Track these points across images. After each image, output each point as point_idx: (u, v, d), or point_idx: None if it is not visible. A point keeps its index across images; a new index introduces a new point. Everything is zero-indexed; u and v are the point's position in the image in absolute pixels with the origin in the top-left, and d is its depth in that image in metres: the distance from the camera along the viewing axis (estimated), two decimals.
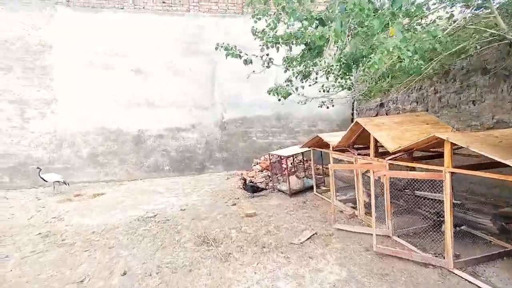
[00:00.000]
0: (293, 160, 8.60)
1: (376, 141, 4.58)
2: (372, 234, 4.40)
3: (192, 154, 10.00)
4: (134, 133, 9.61)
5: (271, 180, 8.37)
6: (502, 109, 5.62)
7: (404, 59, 2.68)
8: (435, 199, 5.25)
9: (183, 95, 9.72)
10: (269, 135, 10.13)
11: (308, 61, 4.44)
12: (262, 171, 8.93)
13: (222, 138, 10.10)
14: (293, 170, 8.38)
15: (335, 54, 3.89)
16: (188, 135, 9.91)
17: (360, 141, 5.42)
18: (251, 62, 4.21)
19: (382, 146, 5.66)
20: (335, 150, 6.00)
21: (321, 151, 7.33)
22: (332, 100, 7.33)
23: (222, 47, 4.05)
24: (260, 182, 8.38)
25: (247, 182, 7.62)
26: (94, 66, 9.14)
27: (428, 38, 2.57)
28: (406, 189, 5.55)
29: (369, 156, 4.89)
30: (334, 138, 5.88)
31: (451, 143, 3.20)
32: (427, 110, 7.36)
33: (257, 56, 4.37)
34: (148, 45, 9.41)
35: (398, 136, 4.20)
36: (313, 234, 4.70)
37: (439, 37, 2.73)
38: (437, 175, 3.27)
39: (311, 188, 7.53)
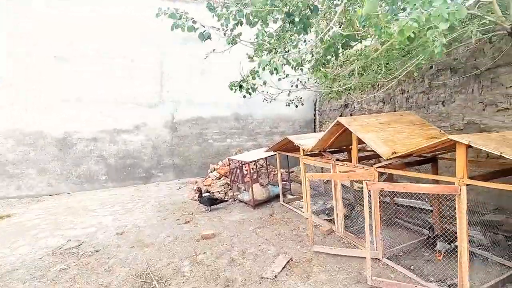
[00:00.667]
0: (256, 165, 7.66)
1: (358, 144, 3.86)
2: (359, 257, 3.64)
3: (135, 161, 8.44)
4: (59, 136, 7.72)
5: (230, 189, 7.31)
6: (472, 110, 5.42)
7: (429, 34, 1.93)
8: (420, 208, 4.76)
9: (123, 90, 8.11)
10: (227, 137, 9.07)
11: (289, 39, 3.52)
12: (219, 179, 7.82)
13: (172, 141, 8.73)
14: (255, 177, 7.44)
15: (321, 32, 3.01)
16: (131, 137, 8.34)
17: (336, 144, 4.69)
18: (209, 37, 3.13)
19: (362, 150, 5.04)
20: (307, 155, 5.21)
21: (287, 155, 6.53)
22: (301, 99, 6.56)
23: (166, 14, 2.88)
24: (218, 191, 7.27)
25: (203, 194, 6.46)
26: None
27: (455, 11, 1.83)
28: (386, 197, 4.99)
29: (349, 161, 4.15)
30: (306, 141, 5.07)
31: (467, 147, 2.54)
32: (394, 111, 7.05)
33: (218, 29, 3.30)
34: (75, 29, 7.62)
35: (390, 139, 3.51)
36: (289, 261, 3.78)
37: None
38: (450, 189, 2.58)
39: (277, 197, 6.67)
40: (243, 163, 6.93)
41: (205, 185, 7.65)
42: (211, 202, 6.16)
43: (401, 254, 3.76)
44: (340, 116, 8.82)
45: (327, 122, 9.42)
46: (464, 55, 5.41)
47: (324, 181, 7.61)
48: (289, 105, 6.62)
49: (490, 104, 5.14)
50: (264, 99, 6.12)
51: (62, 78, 7.60)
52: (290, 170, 8.16)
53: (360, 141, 3.76)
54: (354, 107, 8.29)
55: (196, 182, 8.22)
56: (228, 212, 6.11)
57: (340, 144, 4.84)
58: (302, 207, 6.00)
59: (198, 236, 4.81)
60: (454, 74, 5.65)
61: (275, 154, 6.47)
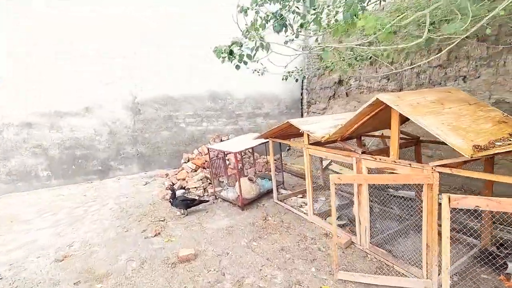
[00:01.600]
0: (241, 156, 6.40)
1: (399, 130, 2.75)
2: None
3: (88, 151, 6.75)
4: None
5: (210, 184, 6.02)
6: (503, 86, 4.56)
7: None
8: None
9: (65, 61, 6.24)
10: (203, 120, 7.63)
11: None
12: (196, 171, 6.47)
13: (135, 126, 7.11)
14: (241, 168, 6.21)
15: None
16: (80, 122, 6.58)
17: (361, 130, 3.57)
18: None
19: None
20: (313, 144, 4.05)
21: (280, 143, 5.33)
22: (301, 71, 5.31)
23: None
24: (196, 187, 5.95)
25: (176, 193, 5.12)
26: None
27: None
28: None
29: (382, 156, 3.05)
30: (312, 126, 3.88)
31: None
32: (401, 89, 6.09)
33: None
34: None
35: (456, 125, 2.42)
36: None
37: None
38: None
39: (268, 193, 5.53)
40: (226, 153, 5.62)
41: (178, 179, 6.27)
42: (187, 204, 4.85)
43: (455, 278, 2.82)
44: (334, 95, 7.74)
45: (317, 102, 8.32)
46: (497, 20, 4.45)
47: (322, 168, 6.58)
48: (286, 79, 5.34)
49: None
50: (255, 70, 4.78)
51: None
52: (277, 157, 7.04)
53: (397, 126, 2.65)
54: (351, 85, 7.23)
55: (167, 175, 6.79)
56: (210, 215, 4.85)
57: (365, 129, 3.73)
58: (302, 206, 4.92)
59: (173, 258, 3.54)
60: (481, 44, 4.71)
61: (266, 142, 5.24)
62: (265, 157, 7.62)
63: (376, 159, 3.02)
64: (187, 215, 4.84)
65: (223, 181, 6.09)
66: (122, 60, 6.65)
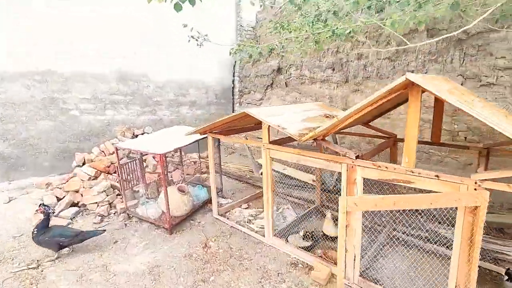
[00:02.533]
0: (165, 159, 4.87)
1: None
2: None
3: None
4: None
5: (119, 196, 4.31)
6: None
7: None
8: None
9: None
10: (107, 107, 5.61)
11: None
12: (96, 178, 4.59)
13: None
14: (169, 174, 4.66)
15: None
16: None
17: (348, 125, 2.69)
18: None
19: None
20: (273, 142, 3.00)
21: (218, 140, 4.10)
22: (239, 47, 4.14)
23: None
24: (96, 203, 4.14)
25: (50, 219, 3.33)
26: None
27: None
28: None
29: (381, 162, 2.23)
30: (280, 119, 2.82)
31: None
32: (346, 81, 5.65)
33: None
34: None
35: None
36: None
37: None
38: None
39: (203, 205, 4.25)
40: (143, 154, 4.01)
41: (67, 192, 4.30)
42: (60, 244, 3.02)
43: None
44: (272, 84, 6.89)
45: (252, 92, 7.34)
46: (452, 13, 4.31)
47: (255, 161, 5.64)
48: (235, 53, 4.08)
49: (472, 78, 4.28)
50: (192, 38, 3.39)
51: None
52: (205, 156, 5.78)
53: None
54: (291, 74, 6.50)
55: (49, 185, 4.64)
56: (121, 247, 3.27)
57: (348, 124, 2.86)
58: (250, 221, 3.84)
59: None
60: (431, 37, 4.54)
61: (202, 138, 3.93)
62: (193, 155, 6.21)
63: (379, 166, 2.17)
64: (58, 257, 3.09)
65: (138, 191, 4.45)
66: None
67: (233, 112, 7.84)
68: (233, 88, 7.80)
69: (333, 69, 5.78)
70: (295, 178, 5.07)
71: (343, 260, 2.25)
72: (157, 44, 6.04)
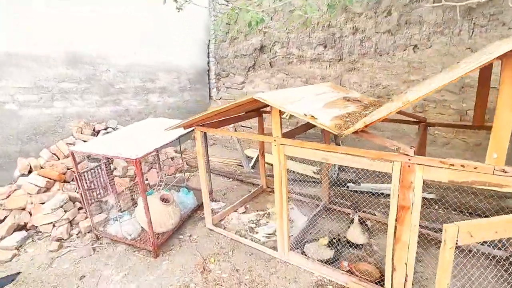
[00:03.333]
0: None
1: None
2: None
3: None
4: None
5: (81, 211, 3.40)
6: (455, 58, 4.12)
7: None
8: None
9: None
10: (56, 98, 4.48)
11: None
12: (49, 189, 3.60)
13: None
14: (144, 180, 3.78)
15: None
16: None
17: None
18: None
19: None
20: (286, 135, 2.34)
21: (205, 133, 3.32)
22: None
23: None
24: (52, 223, 3.21)
25: None
26: None
27: None
28: None
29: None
30: (300, 106, 2.13)
31: None
32: (340, 59, 5.07)
33: None
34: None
35: None
36: None
37: None
38: None
39: (192, 213, 3.51)
40: (111, 160, 3.11)
41: (8, 210, 3.29)
42: None
43: None
44: (254, 65, 6.12)
45: (232, 75, 6.51)
46: None
47: (243, 153, 5.00)
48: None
49: None
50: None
51: None
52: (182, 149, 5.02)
53: None
54: (276, 53, 5.77)
55: None
56: (91, 284, 2.47)
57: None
58: (253, 229, 3.19)
59: None
60: (436, 7, 4.07)
61: (188, 133, 3.13)
62: (168, 150, 5.34)
63: (452, 165, 1.61)
64: None
65: (107, 202, 3.57)
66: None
67: (210, 99, 6.98)
68: (208, 71, 6.89)
69: (325, 46, 5.16)
70: (292, 171, 4.49)
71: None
72: (116, 22, 4.94)
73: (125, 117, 5.35)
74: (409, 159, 1.75)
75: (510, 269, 2.29)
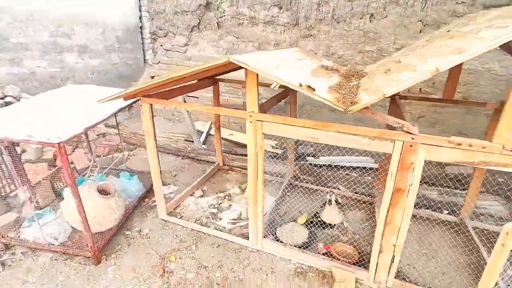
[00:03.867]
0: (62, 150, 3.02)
1: None
2: None
3: None
4: None
5: None
6: (408, 30, 4.16)
7: None
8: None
9: None
10: None
11: None
12: None
13: None
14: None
15: None
16: None
17: None
18: None
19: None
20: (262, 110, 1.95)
21: (151, 105, 2.67)
22: None
23: None
24: None
25: None
26: None
27: None
28: None
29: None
30: (287, 72, 1.72)
31: None
32: (296, 24, 4.69)
33: None
34: None
35: None
36: None
37: None
38: None
39: (139, 202, 2.93)
40: (15, 143, 2.23)
41: None
42: None
43: None
44: (198, 25, 5.30)
45: (172, 35, 5.55)
46: None
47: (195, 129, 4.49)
48: None
49: (431, 24, 4.03)
50: None
51: None
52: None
53: None
54: (224, 11, 5.07)
55: None
56: None
57: None
58: (214, 216, 2.82)
59: None
60: None
61: (129, 105, 2.45)
62: (102, 127, 4.40)
63: (459, 144, 1.48)
64: None
65: (17, 197, 2.69)
66: None
67: (144, 63, 5.95)
68: (141, 28, 5.77)
69: (280, 7, 4.70)
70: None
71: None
72: None
73: (31, 83, 4.13)
74: (412, 138, 1.57)
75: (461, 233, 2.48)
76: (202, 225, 2.67)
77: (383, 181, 2.93)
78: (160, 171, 3.24)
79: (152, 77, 5.66)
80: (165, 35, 5.66)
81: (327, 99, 1.46)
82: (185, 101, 4.17)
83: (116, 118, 3.20)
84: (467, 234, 2.50)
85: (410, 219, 1.75)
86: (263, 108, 2.04)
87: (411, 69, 1.52)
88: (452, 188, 3.28)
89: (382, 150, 1.65)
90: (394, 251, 1.88)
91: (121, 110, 2.41)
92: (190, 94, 5.40)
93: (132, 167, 3.57)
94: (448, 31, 2.06)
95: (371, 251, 2.31)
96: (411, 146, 1.59)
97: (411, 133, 1.56)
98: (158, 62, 5.82)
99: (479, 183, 2.46)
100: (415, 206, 2.00)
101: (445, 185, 3.36)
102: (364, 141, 1.67)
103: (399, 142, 1.60)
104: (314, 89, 1.49)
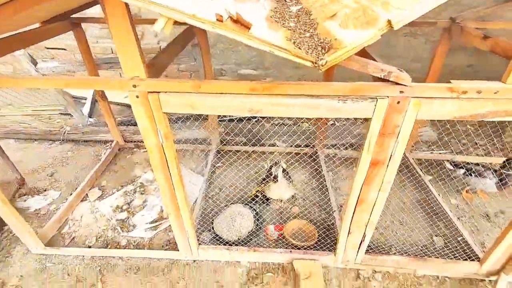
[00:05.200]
0: None
1: None
2: None
3: None
4: None
5: None
6: None
7: None
8: None
9: None
10: None
11: None
12: None
13: None
14: None
15: None
16: None
17: None
18: None
19: None
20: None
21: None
22: None
23: None
24: None
25: None
26: None
27: None
28: None
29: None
30: (197, 3, 0.85)
31: None
32: None
33: None
34: None
35: None
36: None
37: None
38: None
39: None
40: None
41: None
42: None
43: None
44: None
45: None
46: None
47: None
48: None
49: None
50: None
51: None
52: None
53: None
54: None
55: None
56: None
57: None
58: (123, 225, 2.02)
59: None
60: None
61: None
62: None
63: (465, 92, 1.00)
64: None
65: None
66: None
67: None
68: None
69: None
70: None
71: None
72: None
73: None
74: (401, 91, 1.01)
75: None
76: (107, 244, 1.86)
77: (325, 125, 2.55)
78: (20, 175, 2.15)
79: None
80: None
81: (281, 47, 0.72)
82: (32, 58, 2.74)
83: None
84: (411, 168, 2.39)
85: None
86: (156, 67, 1.16)
87: None
88: None
89: (359, 115, 1.07)
90: (365, 230, 1.51)
91: None
92: (51, 46, 3.76)
93: None
94: None
95: (331, 222, 1.97)
96: (398, 102, 1.04)
97: (401, 84, 1.00)
98: None
99: None
100: None
101: None
102: (333, 104, 1.05)
103: (382, 100, 1.03)
104: (248, 26, 0.71)
